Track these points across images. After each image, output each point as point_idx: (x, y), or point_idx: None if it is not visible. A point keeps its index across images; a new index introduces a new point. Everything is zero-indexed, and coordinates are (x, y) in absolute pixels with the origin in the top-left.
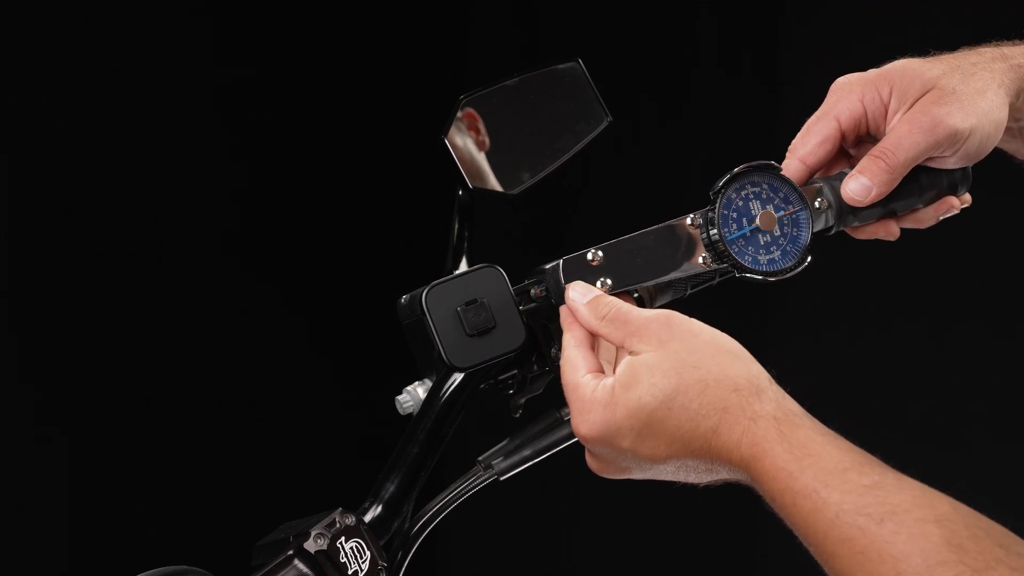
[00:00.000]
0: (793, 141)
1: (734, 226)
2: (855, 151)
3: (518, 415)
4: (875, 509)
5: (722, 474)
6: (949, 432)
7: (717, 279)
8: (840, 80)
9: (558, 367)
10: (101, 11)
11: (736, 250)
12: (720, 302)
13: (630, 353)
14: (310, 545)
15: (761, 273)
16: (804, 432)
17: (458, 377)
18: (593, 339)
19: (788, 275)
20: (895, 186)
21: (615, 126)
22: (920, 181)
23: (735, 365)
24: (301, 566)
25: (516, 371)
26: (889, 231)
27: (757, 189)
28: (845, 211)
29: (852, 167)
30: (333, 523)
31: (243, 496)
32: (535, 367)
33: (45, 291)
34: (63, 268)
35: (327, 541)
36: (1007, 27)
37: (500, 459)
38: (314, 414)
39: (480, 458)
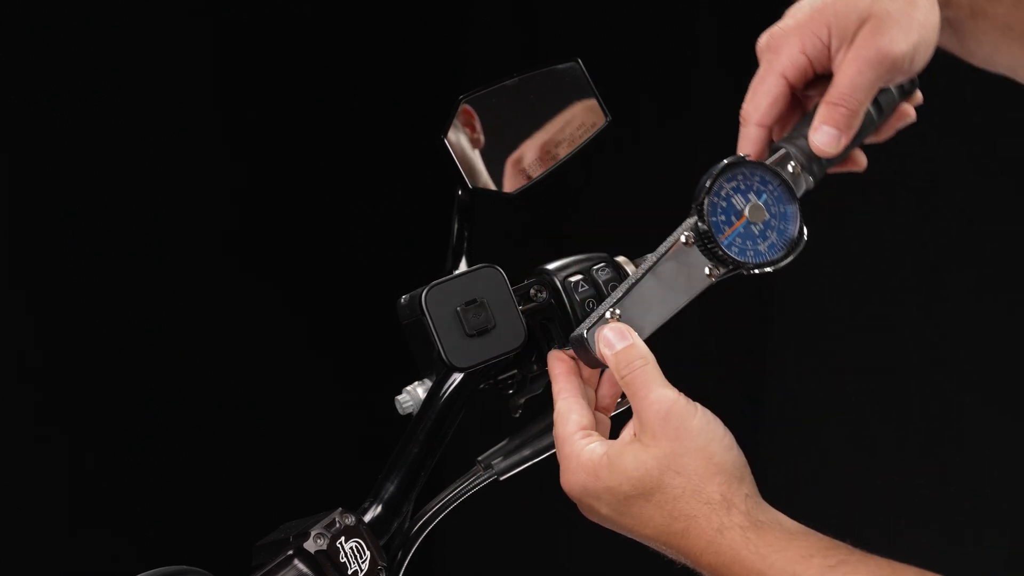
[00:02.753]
0: (743, 108)
1: (726, 228)
2: (806, 93)
3: (518, 415)
4: None
5: (697, 568)
6: (948, 424)
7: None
8: (775, 32)
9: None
10: (101, 11)
11: (736, 251)
12: (722, 303)
13: (636, 420)
14: (310, 545)
15: (768, 263)
16: (771, 535)
17: (458, 377)
18: (583, 388)
19: (794, 253)
20: (860, 124)
21: (615, 126)
22: (877, 105)
23: (716, 479)
24: (301, 566)
25: (516, 371)
26: (857, 162)
27: (734, 184)
28: (819, 164)
29: (806, 113)
30: (333, 523)
31: (243, 496)
32: (535, 367)
33: (45, 291)
34: (63, 268)
35: (327, 541)
36: None
37: (500, 459)
38: (314, 414)
39: (480, 458)
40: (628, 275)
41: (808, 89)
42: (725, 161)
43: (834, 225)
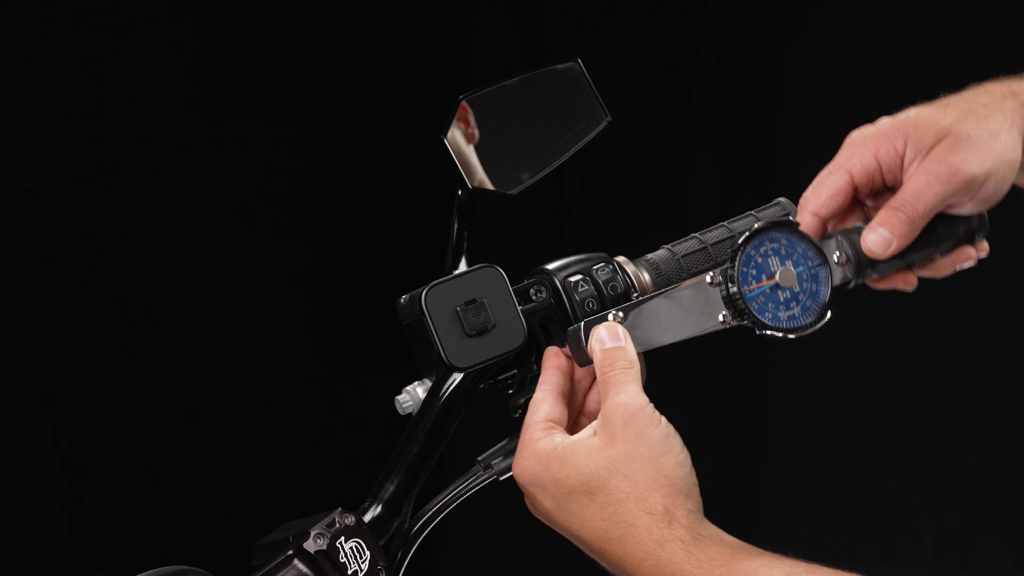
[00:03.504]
0: (804, 194)
1: (754, 283)
2: (872, 203)
3: (518, 415)
4: None
5: None
6: (949, 430)
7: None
8: (854, 134)
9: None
10: (100, 11)
11: (756, 307)
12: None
13: (600, 418)
14: (310, 545)
15: (781, 330)
16: (713, 549)
17: (458, 377)
18: (568, 386)
19: (808, 331)
20: (915, 237)
21: (615, 126)
22: (938, 230)
23: (661, 490)
24: (301, 566)
25: (516, 371)
26: (907, 281)
27: (776, 245)
28: (864, 264)
29: (868, 219)
30: (333, 523)
31: (243, 496)
32: (535, 367)
33: (45, 291)
34: (63, 268)
35: (327, 541)
36: (1005, 33)
37: (500, 459)
38: (314, 414)
39: (480, 458)
40: (628, 275)
41: (872, 199)
42: (776, 219)
43: None
